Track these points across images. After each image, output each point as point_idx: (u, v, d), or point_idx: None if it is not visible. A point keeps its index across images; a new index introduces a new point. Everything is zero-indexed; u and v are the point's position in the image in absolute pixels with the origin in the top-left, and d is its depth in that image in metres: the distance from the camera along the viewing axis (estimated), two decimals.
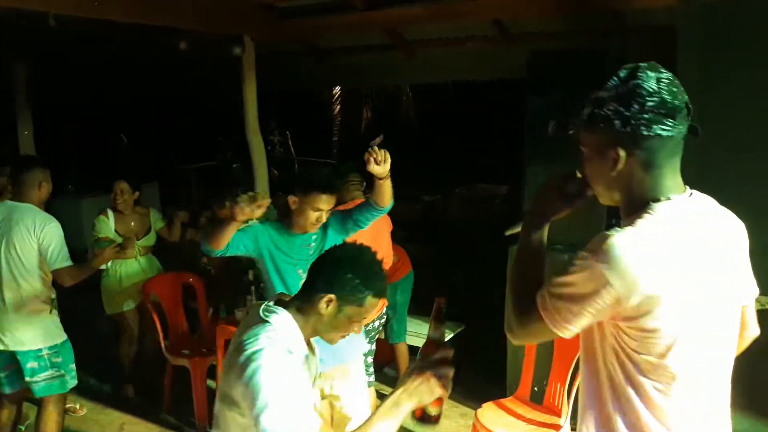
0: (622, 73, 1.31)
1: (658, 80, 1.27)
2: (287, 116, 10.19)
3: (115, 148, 9.52)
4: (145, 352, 4.43)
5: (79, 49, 6.14)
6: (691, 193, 1.37)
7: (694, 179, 1.47)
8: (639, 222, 1.28)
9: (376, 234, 3.45)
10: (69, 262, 3.20)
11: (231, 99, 6.03)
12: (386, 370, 4.63)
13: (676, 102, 1.27)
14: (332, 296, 1.69)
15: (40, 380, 3.22)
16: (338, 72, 6.66)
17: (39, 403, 3.34)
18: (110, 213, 4.24)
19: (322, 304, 1.68)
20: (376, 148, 2.96)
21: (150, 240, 4.40)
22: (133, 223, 4.30)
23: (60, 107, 8.04)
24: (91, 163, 8.40)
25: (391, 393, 1.54)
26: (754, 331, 1.60)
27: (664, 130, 1.27)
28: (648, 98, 1.26)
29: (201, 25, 4.78)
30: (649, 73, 1.28)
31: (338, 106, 12.10)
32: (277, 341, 1.62)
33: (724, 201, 1.52)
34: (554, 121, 1.46)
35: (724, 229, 1.42)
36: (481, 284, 4.72)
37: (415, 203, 8.65)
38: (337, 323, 1.73)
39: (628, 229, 1.27)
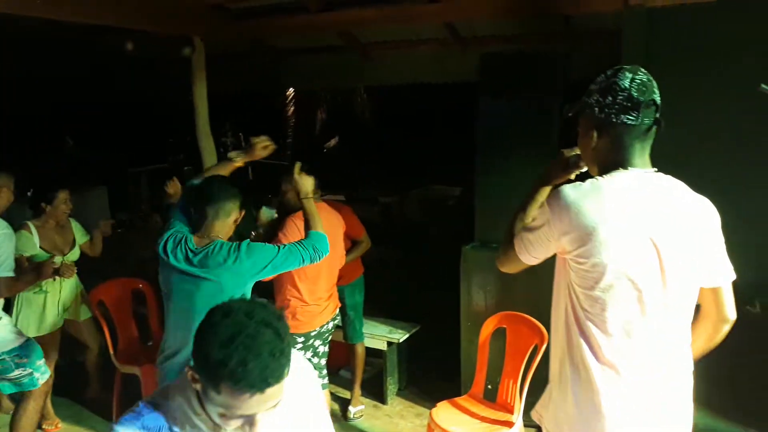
0: (609, 72, 1.64)
1: (632, 80, 1.59)
2: (241, 118, 10.07)
3: (59, 151, 9.21)
4: (90, 361, 4.29)
5: (24, 49, 5.93)
6: (657, 170, 1.67)
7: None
8: (591, 180, 1.65)
9: (332, 236, 3.44)
10: (9, 273, 3.11)
11: (182, 100, 5.92)
12: (342, 372, 4.62)
13: (642, 98, 1.59)
14: (192, 372, 1.26)
15: (6, 380, 3.26)
16: (292, 73, 6.60)
17: (19, 398, 3.37)
18: (32, 227, 3.81)
19: (189, 377, 1.28)
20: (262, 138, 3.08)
21: (75, 254, 4.04)
22: (57, 237, 3.95)
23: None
24: (34, 168, 8.11)
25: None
26: (730, 315, 1.74)
27: (629, 119, 1.60)
28: (620, 93, 1.59)
29: (150, 26, 4.67)
30: (627, 73, 1.61)
31: (293, 108, 12.01)
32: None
33: None
34: (568, 105, 1.77)
35: (688, 207, 1.65)
36: (437, 284, 4.75)
37: (373, 204, 8.68)
38: (209, 406, 1.26)
39: (579, 183, 1.64)
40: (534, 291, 3.65)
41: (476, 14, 4.41)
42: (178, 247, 2.58)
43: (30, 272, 3.35)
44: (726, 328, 1.74)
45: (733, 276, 1.74)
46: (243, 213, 2.76)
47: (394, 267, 6.20)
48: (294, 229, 3.24)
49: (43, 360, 3.38)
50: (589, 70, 4.99)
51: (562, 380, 1.73)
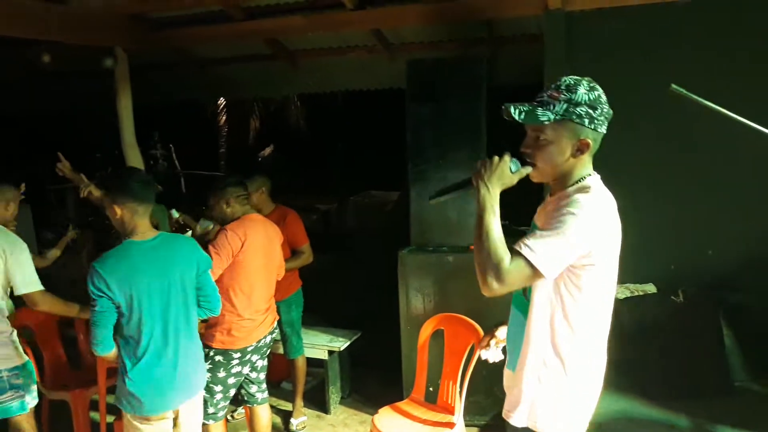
0: (586, 84, 1.71)
1: (602, 93, 1.73)
2: (170, 129, 9.83)
3: None
4: None
5: None
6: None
7: None
8: (595, 187, 1.73)
9: (267, 248, 3.40)
10: (40, 287, 3.12)
11: (107, 113, 5.73)
12: (283, 384, 4.57)
13: (611, 110, 1.75)
14: None
15: None
16: (221, 83, 6.49)
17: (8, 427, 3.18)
18: None
19: None
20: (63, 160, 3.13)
21: None
22: None
23: None
24: None
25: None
26: None
27: (605, 129, 1.75)
28: (603, 105, 1.72)
29: (68, 37, 4.49)
30: (598, 86, 1.73)
31: (224, 117, 11.82)
32: None
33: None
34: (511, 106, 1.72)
35: None
36: (376, 290, 4.75)
37: (311, 213, 8.62)
38: None
39: (589, 197, 1.68)
40: (470, 292, 3.71)
41: (402, 21, 4.46)
42: None
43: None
44: None
45: None
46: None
47: (333, 275, 6.17)
48: (225, 242, 3.18)
49: (36, 385, 3.23)
50: (513, 74, 5.17)
51: (550, 377, 1.81)
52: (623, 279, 4.33)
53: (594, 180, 1.77)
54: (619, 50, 4.19)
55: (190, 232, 3.71)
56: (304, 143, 12.14)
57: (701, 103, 2.41)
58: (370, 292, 5.34)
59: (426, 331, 3.53)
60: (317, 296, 4.50)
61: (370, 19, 4.44)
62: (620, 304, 4.21)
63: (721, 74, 3.91)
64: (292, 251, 4.03)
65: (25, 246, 3.10)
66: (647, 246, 4.30)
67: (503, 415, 1.94)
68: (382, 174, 9.44)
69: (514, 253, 1.63)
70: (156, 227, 3.62)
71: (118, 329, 2.56)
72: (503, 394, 2.00)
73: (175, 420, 2.69)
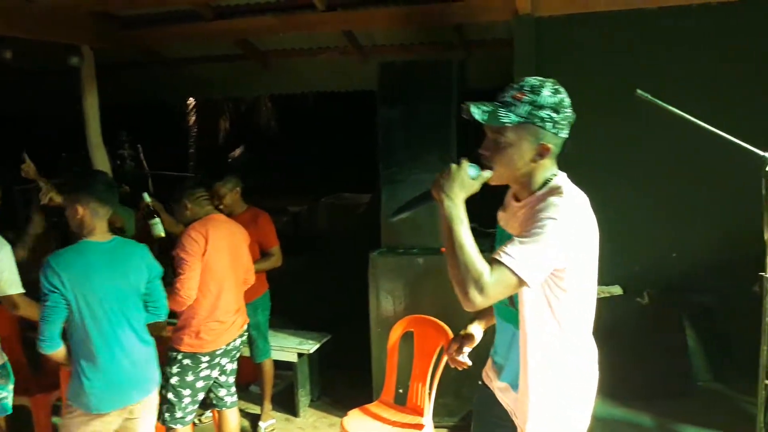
0: (550, 87, 1.65)
1: (566, 97, 1.67)
2: (139, 129, 9.68)
3: None
4: None
5: None
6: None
7: None
8: (567, 189, 1.67)
9: (233, 249, 3.36)
10: (20, 290, 2.91)
11: (73, 112, 5.62)
12: (252, 387, 4.53)
13: (574, 115, 1.69)
14: None
15: None
16: (190, 83, 6.42)
17: None
18: None
19: None
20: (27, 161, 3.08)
21: None
22: None
23: None
24: None
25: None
26: None
27: (567, 133, 1.70)
28: (566, 110, 1.67)
29: (32, 34, 4.39)
30: (562, 89, 1.67)
31: (194, 118, 11.68)
32: None
33: None
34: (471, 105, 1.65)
35: None
36: (347, 292, 4.75)
37: (282, 215, 8.57)
38: None
39: (566, 194, 1.63)
40: (440, 294, 3.74)
41: (372, 23, 4.47)
42: None
43: None
44: None
45: None
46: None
47: (303, 277, 6.14)
48: (190, 241, 3.14)
49: (13, 386, 3.10)
50: (483, 78, 5.21)
51: (558, 383, 1.79)
52: None
53: (562, 180, 1.72)
54: (587, 55, 4.25)
55: (158, 223, 3.60)
56: (274, 144, 12.08)
57: (665, 109, 2.47)
58: (340, 294, 5.34)
59: (396, 332, 3.53)
60: (287, 298, 4.47)
61: (340, 21, 4.44)
62: None
63: (687, 80, 4.00)
64: (261, 253, 4.00)
65: (8, 246, 2.97)
66: (613, 248, 4.35)
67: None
68: (353, 176, 9.46)
69: (495, 263, 1.54)
70: (121, 229, 3.55)
71: (71, 329, 2.55)
72: (472, 395, 1.99)
73: (130, 418, 2.70)
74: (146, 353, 2.74)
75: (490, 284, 1.51)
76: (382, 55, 5.13)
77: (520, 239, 1.56)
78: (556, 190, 1.66)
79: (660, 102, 2.46)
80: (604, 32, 4.21)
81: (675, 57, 4.09)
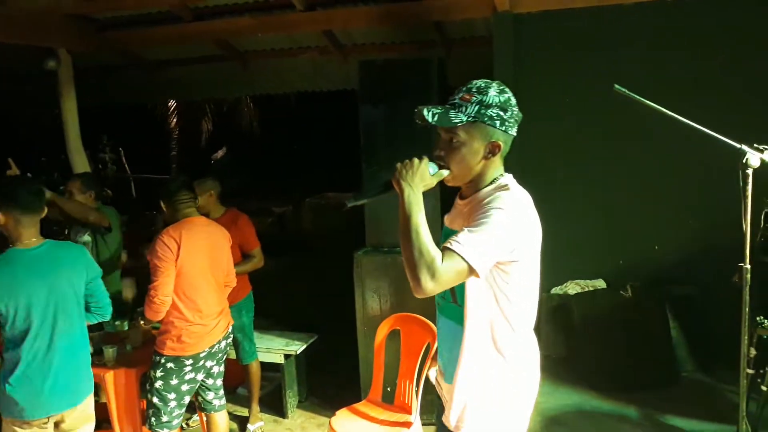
0: (496, 87, 1.72)
1: (512, 96, 1.74)
2: (120, 132, 9.60)
3: None
4: None
5: None
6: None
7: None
8: (511, 185, 1.74)
9: (212, 251, 3.33)
10: None
11: (52, 115, 5.57)
12: (239, 390, 4.50)
13: (521, 113, 1.77)
14: None
15: None
16: (171, 84, 6.38)
17: None
18: None
19: None
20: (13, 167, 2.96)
21: None
22: None
23: None
24: None
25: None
26: None
27: (515, 131, 1.77)
28: (513, 108, 1.74)
29: (8, 37, 4.34)
30: (508, 89, 1.74)
31: (175, 120, 11.59)
32: None
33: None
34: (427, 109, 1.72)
35: None
36: (333, 292, 4.74)
37: (267, 215, 8.54)
38: None
39: (508, 190, 1.71)
40: None
41: (352, 22, 4.47)
42: None
43: None
44: None
45: None
46: None
47: (290, 277, 6.14)
48: (162, 246, 3.10)
49: None
50: (464, 75, 5.21)
51: (495, 377, 1.80)
52: (574, 275, 4.44)
53: (509, 179, 1.79)
54: (566, 51, 4.28)
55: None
56: (257, 145, 12.01)
57: (644, 103, 2.49)
58: (326, 294, 5.33)
59: (382, 331, 3.53)
60: (273, 300, 4.45)
61: (319, 20, 4.43)
62: (571, 300, 4.31)
63: (665, 74, 4.04)
64: (243, 255, 3.98)
65: None
66: (597, 243, 4.42)
67: (454, 429, 1.86)
68: (337, 176, 9.43)
69: (446, 251, 1.58)
70: (108, 228, 3.53)
71: (2, 337, 2.56)
72: None
73: (59, 427, 2.69)
74: (79, 361, 2.72)
75: (442, 270, 1.55)
76: (363, 54, 5.13)
77: (469, 228, 1.61)
78: (502, 187, 1.74)
79: (638, 97, 2.47)
80: (582, 28, 4.24)
81: (653, 52, 4.13)
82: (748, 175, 2.42)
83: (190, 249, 3.15)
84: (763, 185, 2.66)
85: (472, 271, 1.57)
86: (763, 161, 2.42)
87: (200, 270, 3.23)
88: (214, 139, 12.11)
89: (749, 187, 2.43)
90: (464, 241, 1.57)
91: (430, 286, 1.56)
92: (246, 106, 11.64)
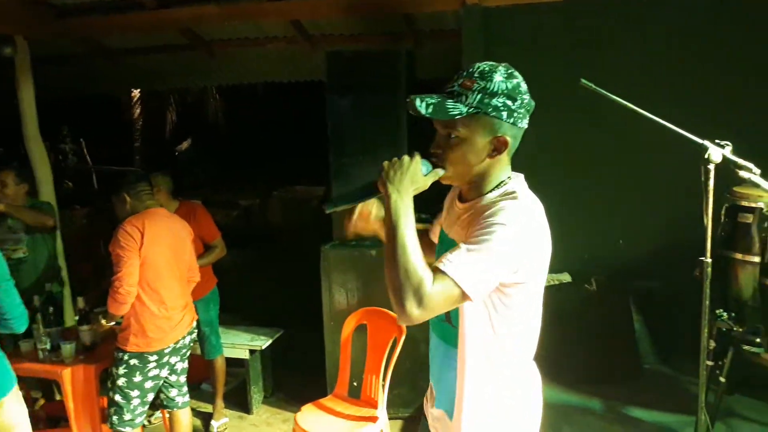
0: (503, 71, 1.45)
1: (523, 81, 1.48)
2: (81, 123, 9.36)
3: None
4: None
5: None
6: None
7: None
8: (521, 193, 1.49)
9: (174, 243, 3.26)
10: None
11: (10, 105, 5.38)
12: (203, 385, 4.44)
13: (533, 102, 1.50)
14: None
15: None
16: (134, 74, 6.23)
17: None
18: None
19: None
20: None
21: None
22: None
23: None
24: None
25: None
26: None
27: (526, 123, 1.51)
28: (524, 96, 1.47)
29: None
30: (518, 74, 1.48)
31: (138, 110, 11.34)
32: None
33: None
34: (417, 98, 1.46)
35: None
36: (300, 286, 4.70)
37: (232, 209, 8.42)
38: None
39: (518, 205, 1.44)
40: None
41: (317, 13, 4.42)
42: None
43: None
44: None
45: None
46: None
47: (256, 272, 6.06)
48: (125, 235, 3.02)
49: None
50: (433, 68, 5.20)
51: (500, 413, 1.59)
52: None
53: (518, 183, 1.54)
54: (535, 44, 4.29)
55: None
56: (223, 136, 11.83)
57: (609, 98, 2.50)
58: (293, 288, 5.28)
59: (349, 326, 3.51)
60: (239, 294, 4.39)
61: (286, 10, 4.36)
62: None
63: (632, 69, 4.07)
64: (204, 246, 3.91)
65: None
66: (562, 236, 4.41)
67: None
68: (306, 168, 9.35)
69: (437, 272, 1.35)
70: (54, 227, 3.42)
71: None
72: (427, 385, 1.82)
73: None
74: None
75: (430, 295, 1.32)
76: (331, 44, 5.08)
77: (467, 246, 1.37)
78: (509, 195, 1.48)
79: (603, 91, 2.48)
80: (551, 21, 4.25)
81: (621, 47, 4.16)
82: (709, 170, 2.46)
83: (154, 238, 3.08)
84: (725, 180, 2.72)
85: (465, 296, 1.34)
86: (724, 157, 2.46)
87: (164, 261, 3.17)
88: (179, 131, 11.90)
89: (711, 182, 2.47)
90: (459, 262, 1.34)
91: (416, 313, 1.32)
92: (212, 97, 11.47)
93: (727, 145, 2.49)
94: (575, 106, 4.00)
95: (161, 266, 3.15)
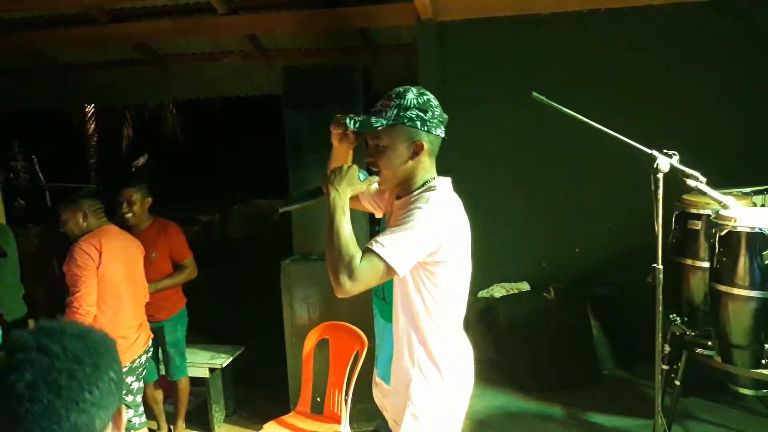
0: (414, 91, 1.79)
1: (434, 98, 1.81)
2: (33, 139, 9.13)
3: None
4: None
5: None
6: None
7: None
8: (441, 188, 1.78)
9: (129, 262, 3.20)
10: None
11: None
12: (165, 406, 4.33)
13: (445, 115, 1.83)
14: None
15: None
16: (88, 89, 6.10)
17: None
18: None
19: None
20: None
21: None
22: None
23: None
24: None
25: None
26: None
27: (442, 131, 1.81)
28: (435, 109, 1.79)
29: None
30: (429, 93, 1.81)
31: (93, 126, 11.10)
32: None
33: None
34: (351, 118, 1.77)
35: None
36: (261, 302, 4.65)
37: (192, 224, 8.29)
38: None
39: (436, 194, 1.74)
40: (354, 299, 3.69)
41: (274, 27, 4.41)
42: None
43: None
44: None
45: None
46: None
47: (215, 288, 5.96)
48: (82, 254, 2.95)
49: None
50: (389, 82, 5.22)
51: (429, 381, 1.81)
52: (500, 278, 4.52)
53: (441, 182, 1.83)
54: (488, 58, 4.37)
55: None
56: (182, 151, 11.67)
57: (560, 110, 2.56)
58: (254, 304, 5.22)
59: (310, 341, 3.48)
60: (198, 311, 4.30)
61: (241, 25, 4.35)
62: (497, 303, 4.39)
63: (582, 82, 4.18)
64: (174, 266, 3.83)
65: None
66: (521, 246, 4.52)
67: (390, 427, 1.92)
68: (266, 183, 9.29)
69: (366, 251, 1.63)
70: (3, 253, 3.30)
71: None
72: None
73: None
74: None
75: (360, 269, 1.60)
76: (288, 59, 5.07)
77: (391, 228, 1.67)
78: (430, 189, 1.79)
79: (554, 104, 2.54)
80: (502, 36, 4.34)
81: (570, 60, 4.27)
82: (659, 179, 2.53)
83: (111, 256, 3.03)
84: (674, 188, 2.80)
85: (390, 270, 1.62)
86: (672, 166, 2.54)
87: (121, 279, 3.11)
88: (136, 146, 11.69)
89: (660, 191, 2.54)
90: (383, 241, 1.63)
91: (348, 285, 1.61)
92: (169, 112, 11.30)
93: (674, 154, 2.57)
94: (528, 118, 4.08)
95: (117, 285, 3.09)
